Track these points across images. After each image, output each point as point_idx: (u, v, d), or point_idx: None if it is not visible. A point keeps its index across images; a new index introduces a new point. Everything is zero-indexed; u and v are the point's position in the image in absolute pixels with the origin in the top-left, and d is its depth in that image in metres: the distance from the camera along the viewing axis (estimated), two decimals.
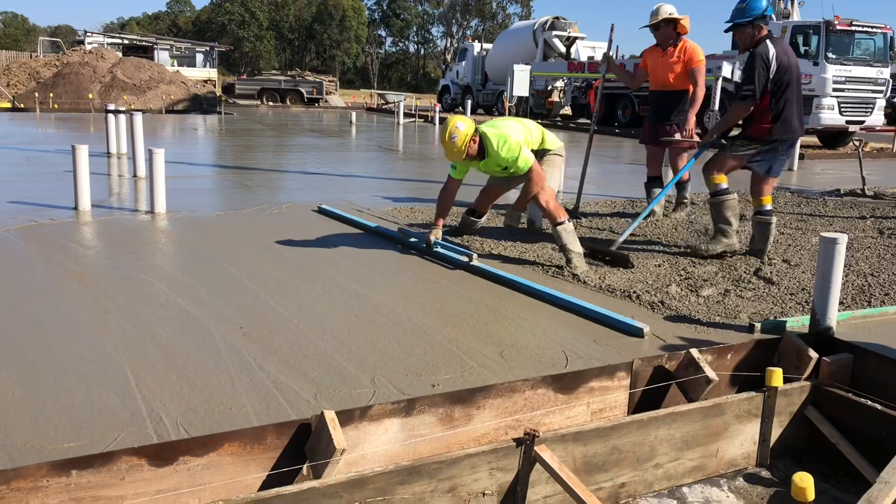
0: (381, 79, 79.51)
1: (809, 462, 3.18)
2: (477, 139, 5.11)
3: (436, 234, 5.30)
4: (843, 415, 3.14)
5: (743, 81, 5.31)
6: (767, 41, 5.20)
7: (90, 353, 3.24)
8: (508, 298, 4.35)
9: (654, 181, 7.14)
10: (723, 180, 5.51)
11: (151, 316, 3.77)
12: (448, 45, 76.29)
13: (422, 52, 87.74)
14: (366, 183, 9.22)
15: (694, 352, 3.12)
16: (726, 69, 18.03)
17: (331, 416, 2.46)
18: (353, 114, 22.25)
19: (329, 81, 36.32)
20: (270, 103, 32.11)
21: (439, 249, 5.27)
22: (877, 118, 18.09)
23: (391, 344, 3.46)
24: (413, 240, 5.53)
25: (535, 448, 2.62)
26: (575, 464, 2.73)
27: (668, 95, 6.84)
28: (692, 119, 6.64)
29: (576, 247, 5.02)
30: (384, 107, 32.53)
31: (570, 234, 5.03)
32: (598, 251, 5.30)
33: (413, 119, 23.71)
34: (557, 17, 27.74)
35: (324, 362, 3.21)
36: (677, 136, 6.58)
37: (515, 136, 5.18)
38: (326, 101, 33.50)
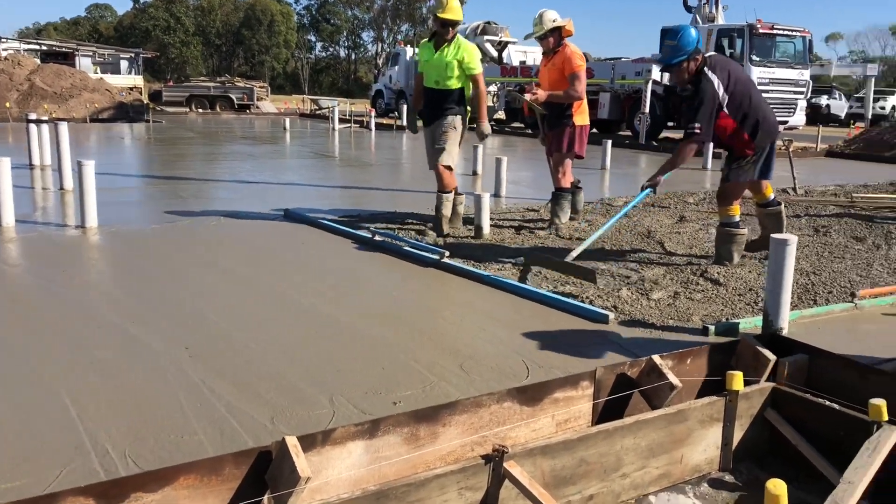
0: (312, 84, 78.71)
1: (771, 464, 3.18)
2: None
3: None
4: (802, 416, 3.16)
5: (689, 119, 5.08)
6: (706, 70, 5.03)
7: (25, 382, 3.03)
8: (467, 307, 4.29)
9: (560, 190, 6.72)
10: (736, 212, 5.34)
11: (90, 338, 3.56)
12: (379, 49, 76.06)
13: (353, 56, 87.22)
14: (306, 191, 9.04)
15: (656, 358, 3.10)
16: (656, 72, 18.42)
17: (293, 443, 2.33)
18: (287, 120, 21.94)
19: (260, 87, 35.72)
20: (200, 110, 31.39)
21: (410, 249, 5.48)
22: (799, 118, 18.75)
23: (348, 360, 3.35)
24: (379, 239, 5.69)
25: (504, 464, 2.55)
26: (544, 478, 2.67)
27: (554, 103, 6.53)
28: (575, 122, 6.46)
29: (446, 211, 6.21)
30: (318, 112, 32.15)
31: (447, 202, 6.17)
32: (562, 268, 5.04)
33: (348, 125, 23.48)
34: (489, 22, 27.86)
35: (278, 383, 3.08)
36: (568, 148, 6.44)
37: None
38: (258, 108, 32.93)
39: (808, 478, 3.11)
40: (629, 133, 20.39)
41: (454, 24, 6.13)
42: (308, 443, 2.41)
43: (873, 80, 24.98)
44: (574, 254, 5.17)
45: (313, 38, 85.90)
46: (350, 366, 3.27)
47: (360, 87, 73.72)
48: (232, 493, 2.34)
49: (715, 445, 3.16)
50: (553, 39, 6.49)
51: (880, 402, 2.82)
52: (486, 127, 6.40)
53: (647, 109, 18.09)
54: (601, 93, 20.79)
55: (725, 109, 5.03)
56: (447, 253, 5.21)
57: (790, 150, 10.42)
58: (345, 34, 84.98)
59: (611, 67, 20.99)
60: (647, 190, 5.40)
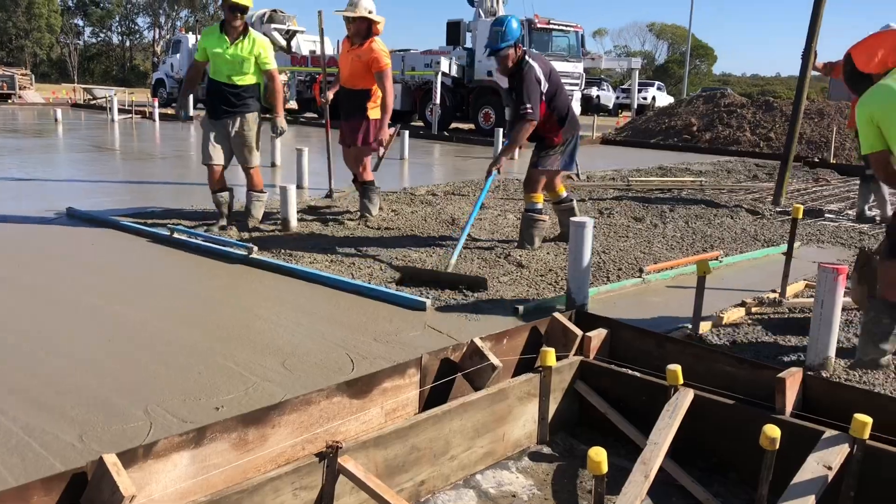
0: (82, 72, 72.58)
1: (583, 433, 3.40)
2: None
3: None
4: (608, 385, 3.40)
5: (518, 102, 5.32)
6: (528, 59, 5.40)
7: None
8: (281, 303, 4.17)
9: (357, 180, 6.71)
10: (540, 199, 5.62)
11: None
12: (157, 36, 71.76)
13: (127, 43, 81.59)
14: (88, 187, 8.34)
15: (477, 341, 3.20)
16: (444, 64, 18.93)
17: (112, 461, 2.15)
18: (58, 111, 20.10)
19: (22, 75, 32.44)
20: None
21: (214, 245, 5.29)
22: (576, 109, 20.07)
23: (160, 367, 3.14)
24: (178, 236, 5.43)
25: (339, 460, 2.52)
26: (377, 469, 2.67)
27: (353, 93, 6.46)
28: (385, 126, 6.40)
29: (258, 213, 6.23)
30: (92, 102, 29.78)
31: (259, 203, 6.21)
32: (446, 278, 4.75)
33: (129, 115, 21.97)
34: (275, 10, 27.16)
35: (84, 397, 2.83)
36: (370, 142, 6.37)
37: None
38: (21, 97, 29.90)
39: (616, 442, 3.36)
40: (421, 124, 20.82)
41: (244, 9, 5.87)
42: (128, 459, 2.24)
43: (637, 72, 27.31)
44: (452, 260, 5.01)
45: (81, 23, 79.26)
46: (163, 372, 3.08)
47: (137, 75, 69.15)
48: None
49: (533, 420, 3.32)
50: (361, 28, 6.34)
51: (676, 368, 3.10)
52: (283, 122, 6.23)
53: (437, 101, 18.56)
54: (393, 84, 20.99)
55: (544, 97, 5.38)
56: (255, 248, 5.04)
57: None
58: (117, 19, 79.27)
59: (401, 59, 21.28)
60: (494, 174, 5.60)
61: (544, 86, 5.37)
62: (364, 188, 6.64)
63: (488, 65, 17.70)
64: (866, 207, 7.57)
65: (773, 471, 2.62)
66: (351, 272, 4.79)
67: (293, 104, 26.17)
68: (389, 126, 6.56)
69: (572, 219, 4.02)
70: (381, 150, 6.47)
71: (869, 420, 2.65)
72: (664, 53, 73.00)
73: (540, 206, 5.65)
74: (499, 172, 5.69)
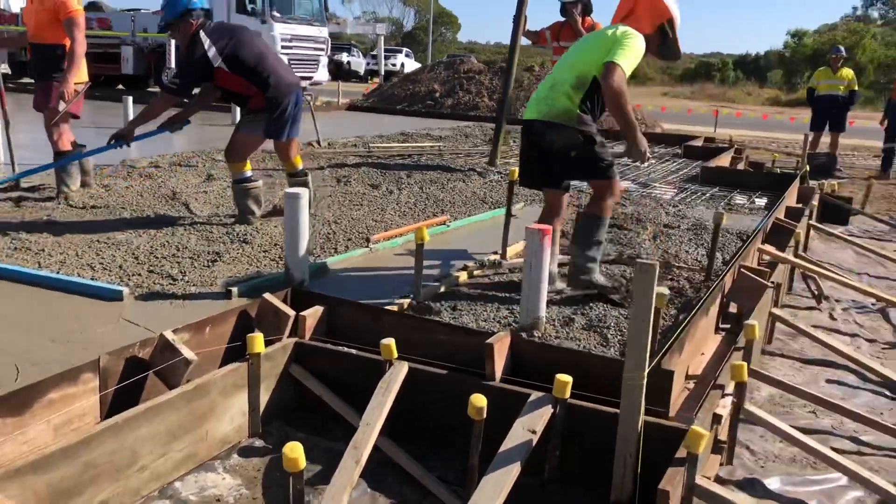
0: None
1: (301, 419, 3.19)
2: None
3: None
4: (325, 366, 3.21)
5: (177, 74, 5.25)
6: (201, 33, 4.99)
7: None
8: None
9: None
10: (248, 167, 5.34)
11: None
12: None
13: None
14: None
15: (167, 334, 2.85)
16: None
17: None
18: None
19: None
20: None
21: None
22: (323, 74, 19.69)
23: None
24: None
25: None
26: (38, 498, 2.26)
27: (42, 49, 5.82)
28: (71, 81, 5.74)
29: None
30: None
31: None
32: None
33: None
34: None
35: None
36: (59, 103, 5.72)
37: None
38: None
39: (336, 426, 3.19)
40: (157, 89, 19.33)
41: None
42: None
43: (382, 38, 27.43)
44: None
45: None
46: None
47: None
48: None
49: (242, 413, 3.05)
50: None
51: (389, 342, 2.98)
52: None
53: (172, 64, 17.29)
54: (123, 46, 19.34)
55: (225, 68, 5.01)
56: None
57: (312, 105, 10.84)
58: None
59: (131, 19, 19.59)
60: (118, 143, 5.28)
61: (214, 58, 4.97)
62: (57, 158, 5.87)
63: None
64: None
65: (484, 439, 2.58)
66: (38, 261, 4.16)
67: (5, 68, 23.21)
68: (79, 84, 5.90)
69: (286, 190, 3.75)
70: (62, 104, 5.71)
71: (569, 379, 2.69)
72: (412, 20, 74.34)
73: (249, 173, 5.36)
74: (127, 145, 5.38)
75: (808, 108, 12.58)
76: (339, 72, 36.22)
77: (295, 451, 2.23)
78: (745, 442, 3.07)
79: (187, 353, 2.81)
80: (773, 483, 2.83)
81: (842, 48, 12.62)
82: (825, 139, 12.27)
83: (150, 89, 19.56)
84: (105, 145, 5.33)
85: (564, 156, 4.04)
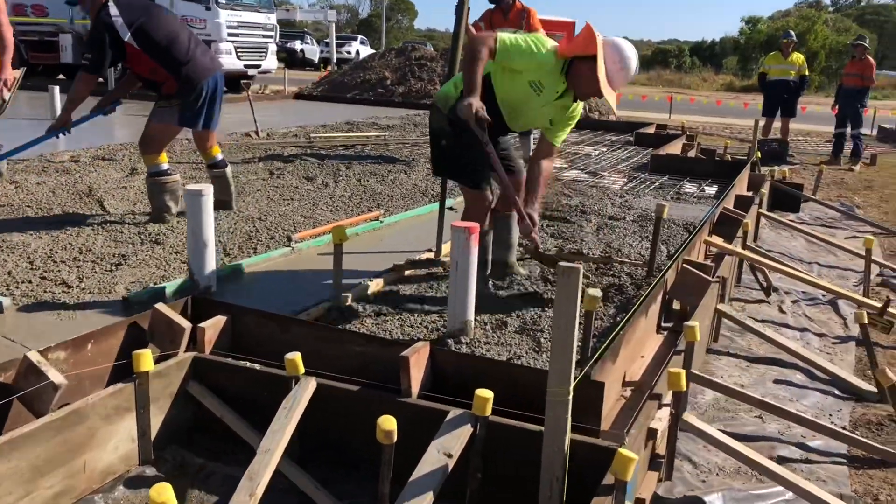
0: None
1: (198, 442, 2.87)
2: None
3: None
4: (225, 383, 2.90)
5: (86, 49, 4.94)
6: (111, 3, 4.72)
7: None
8: None
9: None
10: (164, 159, 5.01)
11: None
12: None
13: None
14: None
15: (32, 355, 2.51)
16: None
17: None
18: None
19: None
20: None
21: None
22: (271, 62, 19.16)
23: None
24: None
25: None
26: None
27: None
28: (9, 67, 5.39)
29: None
30: None
31: None
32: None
33: None
34: None
35: None
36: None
37: None
38: None
39: (238, 448, 2.88)
40: (100, 79, 18.64)
41: None
42: None
43: (334, 25, 26.89)
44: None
45: None
46: None
47: None
48: None
49: (130, 438, 2.71)
50: None
51: (295, 356, 2.67)
52: None
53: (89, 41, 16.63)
54: (61, 34, 18.57)
55: (135, 44, 4.72)
56: None
57: (249, 94, 10.43)
58: None
59: (70, 8, 18.81)
60: (57, 132, 5.04)
61: (122, 31, 4.70)
62: None
63: None
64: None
65: (400, 461, 2.30)
66: None
67: None
68: (14, 68, 5.49)
69: (187, 187, 3.41)
70: (6, 92, 5.32)
71: (490, 395, 2.41)
72: (367, 8, 73.44)
73: (165, 166, 5.01)
74: (67, 133, 5.12)
75: (762, 93, 12.48)
76: (294, 60, 35.52)
77: (163, 495, 1.92)
78: (686, 453, 2.84)
79: (55, 376, 2.47)
80: (714, 501, 2.60)
81: (792, 33, 12.52)
82: (777, 125, 12.19)
83: None
84: (44, 135, 5.10)
85: (436, 144, 3.87)
